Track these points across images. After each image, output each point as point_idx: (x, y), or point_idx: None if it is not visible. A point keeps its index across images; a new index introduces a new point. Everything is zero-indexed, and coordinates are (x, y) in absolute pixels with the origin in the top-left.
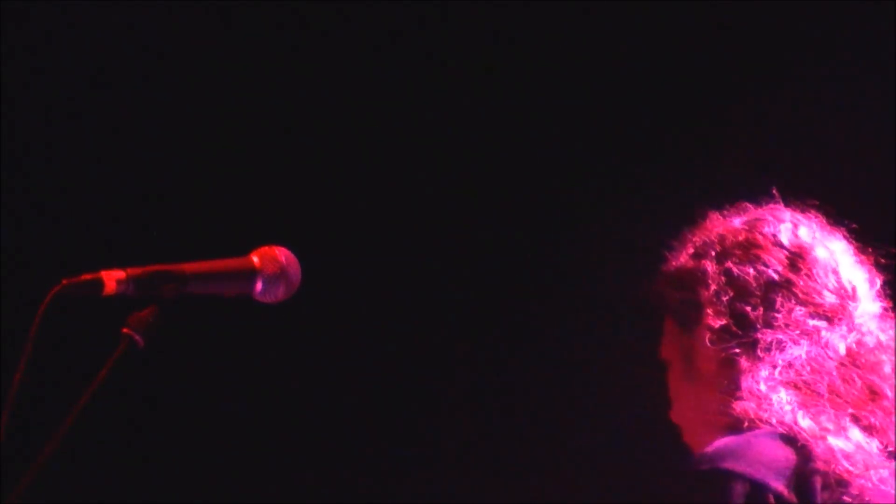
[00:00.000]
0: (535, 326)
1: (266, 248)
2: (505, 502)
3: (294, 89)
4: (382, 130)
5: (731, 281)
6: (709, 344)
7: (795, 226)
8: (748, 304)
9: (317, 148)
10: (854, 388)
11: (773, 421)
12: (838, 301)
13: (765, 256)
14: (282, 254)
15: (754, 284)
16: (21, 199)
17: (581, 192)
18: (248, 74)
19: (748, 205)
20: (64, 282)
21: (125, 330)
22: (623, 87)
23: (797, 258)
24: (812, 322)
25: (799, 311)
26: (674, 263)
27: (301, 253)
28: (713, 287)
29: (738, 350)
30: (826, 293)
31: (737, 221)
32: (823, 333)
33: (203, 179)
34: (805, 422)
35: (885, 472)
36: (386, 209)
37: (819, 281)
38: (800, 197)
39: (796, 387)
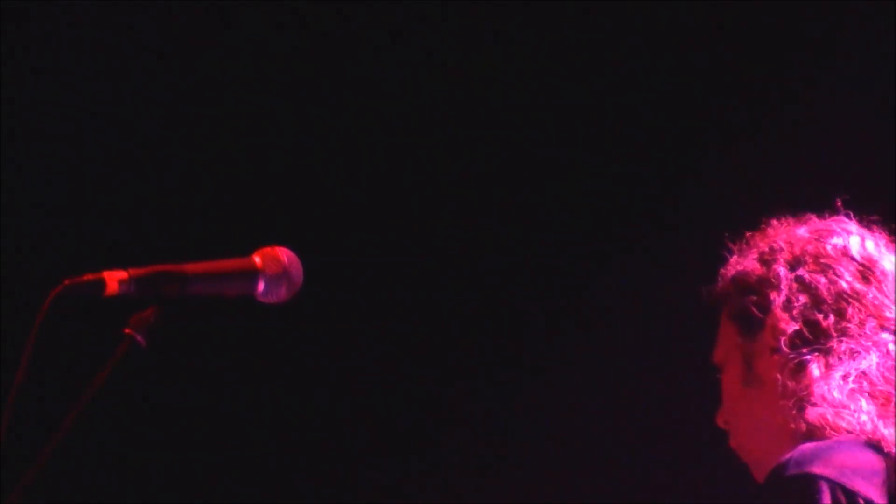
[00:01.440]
0: (542, 327)
1: (268, 248)
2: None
3: (294, 90)
4: (383, 131)
5: (804, 288)
6: (784, 348)
7: (863, 238)
8: (820, 311)
9: (317, 149)
10: None
11: (856, 429)
12: None
13: (836, 266)
14: (284, 254)
15: (826, 293)
16: (22, 198)
17: (587, 193)
18: (250, 75)
19: (812, 215)
20: (66, 282)
21: (127, 330)
22: (656, 89)
23: (867, 270)
24: (883, 335)
25: (870, 323)
26: (739, 267)
27: (303, 253)
28: (785, 293)
29: (809, 357)
30: (894, 307)
31: (803, 231)
32: (891, 346)
33: (205, 180)
34: (887, 430)
35: None
36: (387, 209)
37: (888, 294)
38: (857, 211)
39: (872, 396)
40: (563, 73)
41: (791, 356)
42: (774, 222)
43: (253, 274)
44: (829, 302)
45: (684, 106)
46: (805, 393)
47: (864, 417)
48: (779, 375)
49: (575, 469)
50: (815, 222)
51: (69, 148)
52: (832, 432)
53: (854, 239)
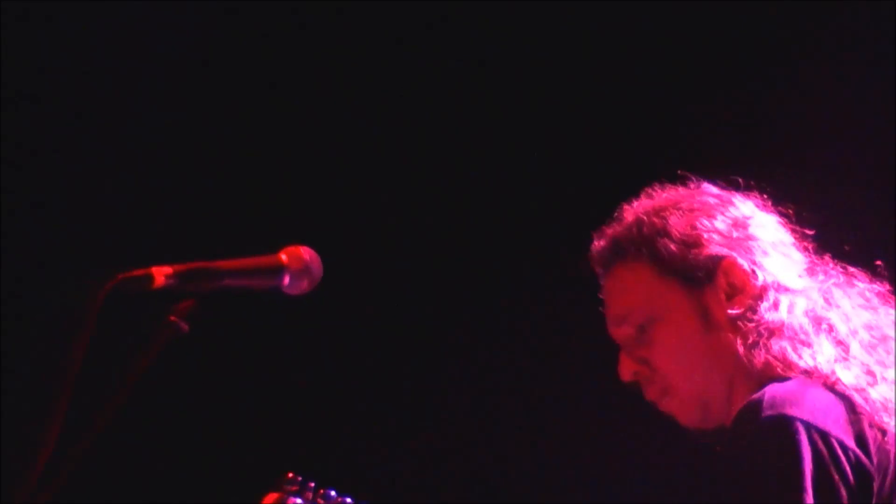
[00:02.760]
0: (547, 325)
1: (292, 247)
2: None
3: (320, 103)
4: (400, 141)
5: (746, 234)
6: (744, 290)
7: (746, 198)
8: (766, 254)
9: (338, 161)
10: (878, 348)
11: (812, 368)
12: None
13: (749, 216)
14: (306, 252)
15: (769, 237)
16: (49, 200)
17: (588, 192)
18: (276, 86)
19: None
20: (119, 277)
21: (172, 317)
22: (627, 88)
23: (767, 222)
24: (834, 282)
25: (819, 267)
26: (668, 225)
27: (322, 251)
28: (726, 239)
29: (772, 297)
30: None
31: (701, 193)
32: (851, 294)
33: (238, 190)
34: (845, 374)
35: None
36: (397, 213)
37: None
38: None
39: (834, 339)
40: (568, 76)
41: (741, 301)
42: (656, 189)
43: (279, 269)
44: (774, 244)
45: (682, 106)
46: (767, 330)
47: (821, 358)
48: (740, 318)
49: (580, 469)
50: (695, 188)
51: (104, 155)
52: (787, 370)
53: (739, 200)
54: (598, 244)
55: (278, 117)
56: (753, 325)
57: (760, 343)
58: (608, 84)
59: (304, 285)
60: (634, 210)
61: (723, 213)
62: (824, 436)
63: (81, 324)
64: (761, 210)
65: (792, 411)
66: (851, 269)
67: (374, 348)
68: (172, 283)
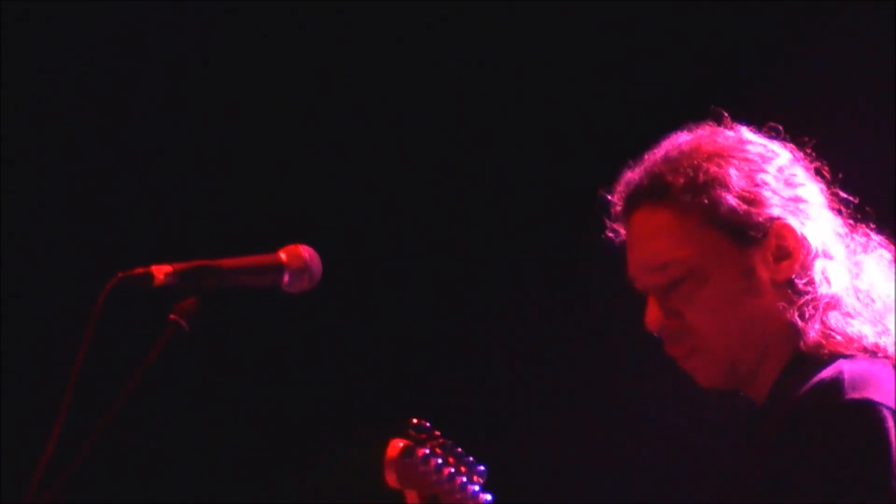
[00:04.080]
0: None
1: (292, 246)
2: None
3: (320, 103)
4: (400, 141)
5: (797, 195)
6: (794, 255)
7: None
8: (819, 219)
9: (338, 161)
10: None
11: (879, 346)
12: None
13: (797, 174)
14: (305, 251)
15: (817, 200)
16: (43, 201)
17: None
18: (279, 87)
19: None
20: (119, 275)
21: (172, 316)
22: (653, 90)
23: (811, 181)
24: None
25: (861, 232)
26: (728, 176)
27: (322, 250)
28: (780, 199)
29: (820, 265)
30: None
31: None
32: (886, 256)
33: (238, 189)
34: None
35: None
36: (396, 212)
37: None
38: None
39: (872, 311)
40: (569, 76)
41: (800, 265)
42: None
43: (279, 268)
44: (820, 207)
45: (679, 106)
46: (823, 302)
47: (886, 337)
48: (787, 285)
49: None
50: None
51: (110, 155)
52: (848, 346)
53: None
54: (636, 176)
55: (278, 117)
56: (808, 296)
57: (817, 316)
58: (606, 83)
59: (303, 284)
60: (688, 148)
61: (777, 170)
62: None
63: (83, 323)
64: (803, 166)
65: (876, 396)
66: (875, 235)
67: (374, 348)
68: (173, 282)
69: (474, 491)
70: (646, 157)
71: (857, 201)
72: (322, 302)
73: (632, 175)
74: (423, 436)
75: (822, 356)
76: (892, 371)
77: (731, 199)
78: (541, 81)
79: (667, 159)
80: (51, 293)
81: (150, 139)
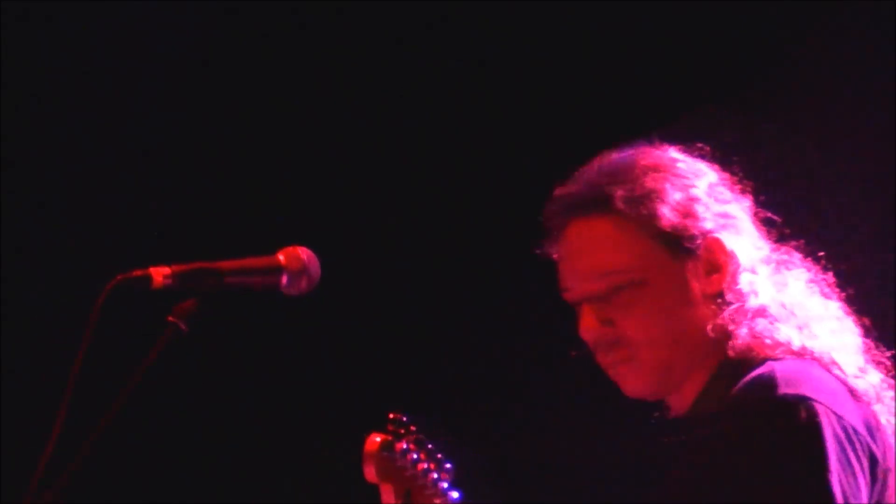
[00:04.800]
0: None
1: (290, 248)
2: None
3: (319, 103)
4: (399, 141)
5: (727, 210)
6: (726, 267)
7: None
8: (746, 231)
9: (336, 161)
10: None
11: (807, 349)
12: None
13: (725, 192)
14: (304, 253)
15: (745, 216)
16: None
17: None
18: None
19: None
20: (118, 277)
21: (170, 318)
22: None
23: (738, 199)
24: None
25: (785, 247)
26: (665, 189)
27: (320, 252)
28: (713, 213)
29: (751, 274)
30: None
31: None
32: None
33: (237, 190)
34: (843, 358)
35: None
36: (395, 213)
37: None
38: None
39: (801, 318)
40: (568, 75)
41: (729, 278)
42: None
43: (278, 270)
44: (745, 224)
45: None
46: (750, 311)
47: (814, 341)
48: (717, 297)
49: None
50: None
51: (112, 157)
52: (774, 349)
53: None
54: (572, 190)
55: (278, 118)
56: (736, 305)
57: (745, 323)
58: (606, 83)
59: (302, 285)
60: (623, 163)
61: (707, 186)
62: (840, 419)
63: (82, 324)
64: (729, 187)
65: (809, 392)
66: (796, 254)
67: (372, 349)
68: (171, 284)
69: (444, 488)
70: (578, 173)
71: (780, 220)
72: (320, 304)
73: (566, 189)
74: (402, 430)
75: (752, 360)
76: (822, 370)
77: (668, 212)
78: (541, 82)
79: (604, 172)
80: (50, 294)
81: (149, 139)
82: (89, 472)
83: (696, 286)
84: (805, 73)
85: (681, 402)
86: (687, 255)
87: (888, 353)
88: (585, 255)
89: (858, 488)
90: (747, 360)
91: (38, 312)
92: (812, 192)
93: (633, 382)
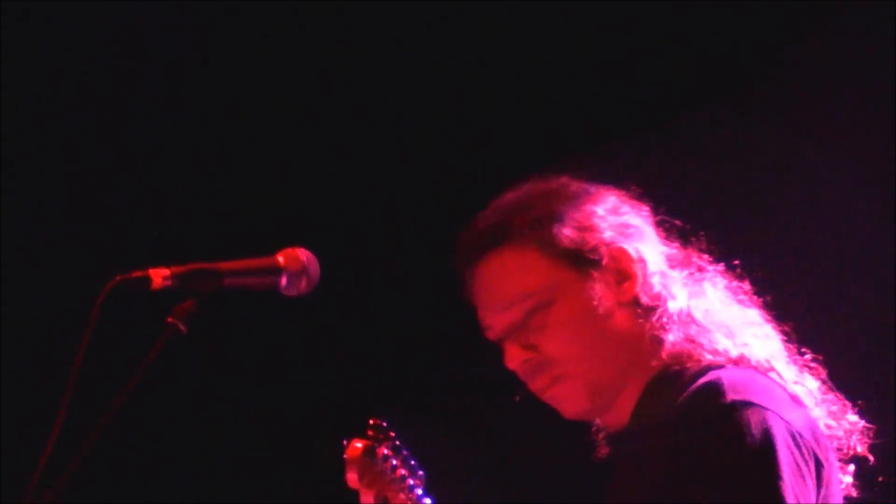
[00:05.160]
0: None
1: (289, 249)
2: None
3: (319, 103)
4: (399, 142)
5: (627, 222)
6: (636, 276)
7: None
8: (648, 242)
9: (336, 161)
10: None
11: (746, 357)
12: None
13: (638, 207)
14: (303, 254)
15: (645, 225)
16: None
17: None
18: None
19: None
20: (118, 278)
21: (170, 319)
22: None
23: (638, 212)
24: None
25: (694, 257)
26: (559, 209)
27: (320, 253)
28: (614, 225)
29: (667, 283)
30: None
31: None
32: (719, 280)
33: (237, 192)
34: (781, 365)
35: (834, 407)
36: (395, 214)
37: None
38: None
39: (726, 325)
40: (568, 76)
41: (640, 286)
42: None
43: (277, 270)
44: (648, 233)
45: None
46: (677, 318)
47: (752, 349)
48: (635, 305)
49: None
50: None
51: (112, 159)
52: (702, 356)
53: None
54: (472, 233)
55: (277, 118)
56: (659, 310)
57: (675, 329)
58: (607, 83)
59: (301, 287)
60: (512, 197)
61: (604, 202)
62: (788, 425)
63: (82, 325)
64: (628, 198)
65: (757, 399)
66: (712, 265)
67: (372, 349)
68: (170, 285)
69: (419, 495)
70: (476, 216)
71: (688, 227)
72: (320, 304)
73: (466, 234)
74: (381, 436)
75: (689, 369)
76: (764, 377)
77: (565, 229)
78: (541, 82)
79: (499, 208)
80: (50, 294)
81: (149, 139)
82: (89, 472)
83: (609, 296)
84: (805, 74)
85: (618, 416)
86: (593, 267)
87: (819, 358)
88: (494, 290)
89: (808, 493)
90: (685, 368)
91: (38, 312)
92: (804, 194)
93: (569, 401)
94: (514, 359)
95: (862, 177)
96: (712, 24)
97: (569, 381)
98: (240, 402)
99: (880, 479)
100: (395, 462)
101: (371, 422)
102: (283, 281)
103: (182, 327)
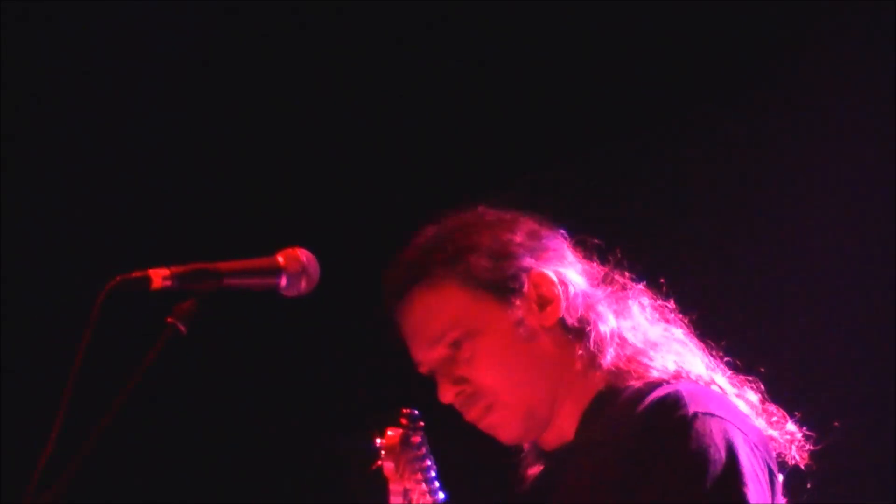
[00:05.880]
0: None
1: (289, 249)
2: None
3: (319, 103)
4: (399, 142)
5: (542, 246)
6: (560, 299)
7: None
8: (566, 264)
9: (336, 161)
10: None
11: (667, 371)
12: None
13: (548, 234)
14: (303, 254)
15: (559, 250)
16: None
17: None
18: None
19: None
20: (118, 278)
21: (169, 319)
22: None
23: (555, 235)
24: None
25: (616, 276)
26: (474, 240)
27: (320, 253)
28: (528, 253)
29: (576, 310)
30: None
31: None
32: (644, 301)
33: (237, 192)
34: (721, 378)
35: (773, 418)
36: (394, 216)
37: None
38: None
39: (662, 342)
40: (569, 75)
41: (563, 308)
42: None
43: (277, 271)
44: (567, 255)
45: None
46: (607, 338)
47: (670, 359)
48: (561, 328)
49: None
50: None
51: (113, 159)
52: (646, 371)
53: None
54: (393, 272)
55: (278, 118)
56: (591, 334)
57: (611, 350)
58: (607, 84)
59: (301, 287)
60: (429, 232)
61: (520, 228)
62: (745, 435)
63: (81, 325)
64: (545, 223)
65: (716, 410)
66: (635, 283)
67: (372, 350)
68: (170, 285)
69: (437, 487)
70: (395, 257)
71: (603, 244)
72: (320, 305)
73: (388, 273)
74: (414, 425)
75: (634, 384)
76: (715, 391)
77: (482, 260)
78: (541, 82)
79: (415, 247)
80: (50, 295)
81: (149, 139)
82: (89, 472)
83: (533, 321)
84: (805, 74)
85: (557, 435)
86: (514, 294)
87: (761, 371)
88: (418, 328)
89: (768, 500)
90: (629, 385)
91: (38, 312)
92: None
93: (504, 429)
94: (447, 394)
95: (861, 176)
96: (712, 24)
97: (502, 409)
98: (239, 402)
99: (808, 485)
100: (424, 450)
101: (404, 411)
102: (283, 281)
103: (182, 327)
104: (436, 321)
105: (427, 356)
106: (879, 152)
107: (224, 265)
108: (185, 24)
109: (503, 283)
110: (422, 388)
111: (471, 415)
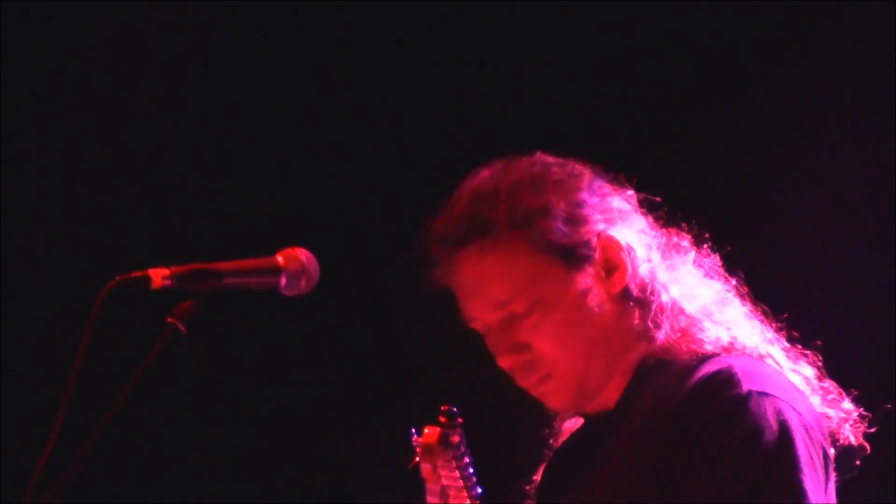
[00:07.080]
0: None
1: (289, 249)
2: None
3: (319, 103)
4: (399, 142)
5: (607, 215)
6: (626, 267)
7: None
8: (628, 234)
9: (336, 161)
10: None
11: (738, 344)
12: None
13: (607, 189)
14: (302, 254)
15: (626, 217)
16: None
17: None
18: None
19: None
20: (117, 278)
21: (169, 319)
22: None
23: (619, 194)
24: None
25: (682, 244)
26: (548, 202)
27: (319, 253)
28: (601, 217)
29: (656, 274)
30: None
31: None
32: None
33: (237, 192)
34: (776, 352)
35: (829, 396)
36: (394, 215)
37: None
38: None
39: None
40: (569, 75)
41: (630, 275)
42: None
43: (276, 271)
44: (635, 218)
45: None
46: (667, 307)
47: (747, 338)
48: (626, 295)
49: None
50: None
51: (116, 159)
52: (696, 343)
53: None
54: (447, 221)
55: (278, 118)
56: (653, 304)
57: (667, 321)
58: (608, 83)
59: (300, 287)
60: (488, 182)
61: (588, 186)
62: (800, 416)
63: (81, 325)
64: (606, 177)
65: (771, 389)
66: (692, 245)
67: (372, 350)
68: (170, 285)
69: (474, 482)
70: (450, 200)
71: (659, 200)
72: (319, 305)
73: (443, 220)
74: (453, 423)
75: (683, 356)
76: (768, 365)
77: (557, 225)
78: (541, 82)
79: (479, 198)
80: (50, 295)
81: (149, 139)
82: (89, 472)
83: (601, 289)
84: (805, 73)
85: (600, 402)
86: (585, 261)
87: (817, 344)
88: (483, 289)
89: (821, 486)
90: (678, 357)
91: (38, 312)
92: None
93: (556, 398)
94: (505, 359)
95: (862, 177)
96: (712, 24)
97: (558, 379)
98: (239, 402)
99: (857, 462)
100: (463, 449)
101: (442, 408)
102: (283, 281)
103: (182, 327)
104: (503, 284)
105: (487, 317)
106: (880, 152)
107: (224, 265)
108: (185, 24)
109: (576, 250)
110: (422, 388)
111: (526, 381)
